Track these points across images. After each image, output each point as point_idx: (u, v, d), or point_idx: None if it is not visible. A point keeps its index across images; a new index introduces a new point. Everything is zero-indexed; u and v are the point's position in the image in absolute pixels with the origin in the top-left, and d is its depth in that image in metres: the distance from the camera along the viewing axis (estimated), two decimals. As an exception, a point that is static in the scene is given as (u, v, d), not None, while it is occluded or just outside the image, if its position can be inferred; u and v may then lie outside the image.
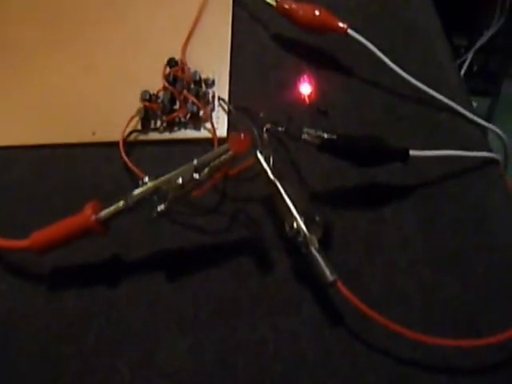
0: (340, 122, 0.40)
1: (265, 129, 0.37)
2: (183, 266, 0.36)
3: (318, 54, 0.44)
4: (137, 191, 0.32)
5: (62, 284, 0.36)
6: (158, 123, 0.41)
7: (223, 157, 0.31)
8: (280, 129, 0.36)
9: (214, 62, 0.44)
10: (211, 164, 0.31)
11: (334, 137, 0.33)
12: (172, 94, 0.41)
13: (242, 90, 0.43)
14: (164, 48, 0.44)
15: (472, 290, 0.33)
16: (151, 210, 0.33)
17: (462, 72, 1.12)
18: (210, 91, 0.42)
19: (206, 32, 0.46)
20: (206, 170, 0.31)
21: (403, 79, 0.40)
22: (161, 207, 0.31)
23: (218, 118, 0.41)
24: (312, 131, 0.33)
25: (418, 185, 0.38)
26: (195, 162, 0.31)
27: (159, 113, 0.41)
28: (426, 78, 0.41)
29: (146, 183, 0.31)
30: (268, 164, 0.34)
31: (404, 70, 0.40)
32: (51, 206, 0.39)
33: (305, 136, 0.33)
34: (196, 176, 0.31)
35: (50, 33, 0.48)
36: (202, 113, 0.40)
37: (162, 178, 0.31)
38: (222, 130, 0.40)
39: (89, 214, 0.33)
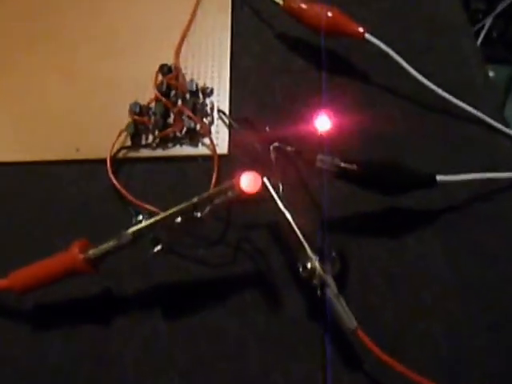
0: (355, 136, 0.39)
1: (272, 148, 0.36)
2: (182, 302, 0.35)
3: (330, 57, 0.42)
4: (130, 230, 0.30)
5: (46, 323, 0.35)
6: (150, 138, 0.40)
7: (229, 194, 0.30)
8: (289, 148, 0.35)
9: (212, 68, 0.42)
10: (214, 201, 0.30)
11: (354, 167, 0.32)
12: (165, 105, 0.39)
13: (244, 99, 0.41)
14: (155, 52, 0.43)
15: (505, 332, 0.33)
16: (147, 249, 0.32)
17: (480, 39, 1.10)
18: (209, 101, 0.40)
19: (203, 32, 0.44)
20: (208, 208, 0.30)
21: (425, 87, 0.39)
22: (157, 247, 0.30)
23: (217, 132, 0.40)
24: (328, 159, 0.32)
25: (443, 209, 0.37)
26: (196, 199, 0.30)
27: (151, 127, 0.39)
28: (451, 83, 0.40)
29: (140, 221, 0.30)
30: (277, 191, 0.33)
31: (426, 75, 0.39)
32: (32, 232, 0.38)
33: (319, 164, 0.32)
34: (197, 214, 0.30)
35: (27, 38, 0.46)
36: (199, 127, 0.39)
37: (159, 216, 0.30)
38: (222, 147, 0.39)
39: (76, 253, 0.32)
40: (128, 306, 0.35)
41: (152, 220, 0.30)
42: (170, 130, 0.39)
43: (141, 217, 0.30)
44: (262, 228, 0.37)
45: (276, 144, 0.36)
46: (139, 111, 0.39)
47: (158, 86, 0.40)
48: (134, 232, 0.30)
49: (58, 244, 0.37)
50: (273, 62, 0.43)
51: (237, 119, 0.40)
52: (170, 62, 0.42)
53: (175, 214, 0.30)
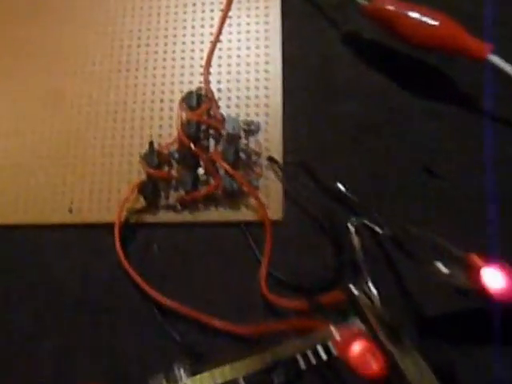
0: (463, 194, 0.30)
1: (351, 227, 0.27)
2: None
3: (418, 70, 0.32)
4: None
5: None
6: (172, 195, 0.31)
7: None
8: (380, 230, 0.26)
9: (256, 90, 0.32)
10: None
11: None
12: (194, 153, 0.30)
13: (301, 135, 0.32)
14: (174, 70, 0.34)
15: None
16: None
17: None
18: (253, 141, 0.31)
19: (242, 38, 0.34)
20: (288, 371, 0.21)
21: None
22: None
23: (267, 188, 0.31)
24: (460, 281, 0.23)
25: None
26: (270, 359, 0.21)
27: (174, 183, 0.31)
28: None
29: (179, 379, 0.21)
30: (370, 304, 0.25)
31: None
32: (15, 327, 0.31)
33: (446, 278, 0.23)
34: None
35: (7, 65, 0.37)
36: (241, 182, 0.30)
37: (215, 373, 0.21)
38: (275, 210, 0.30)
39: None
40: None
41: (203, 377, 0.21)
42: (202, 191, 0.30)
43: (182, 370, 0.22)
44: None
45: (360, 220, 0.27)
46: (157, 164, 0.30)
47: (183, 125, 0.30)
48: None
49: (42, 350, 0.30)
50: (339, 79, 0.33)
51: (293, 163, 0.31)
52: (195, 82, 0.33)
53: (237, 374, 0.21)
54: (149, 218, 0.31)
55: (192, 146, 0.29)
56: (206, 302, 0.30)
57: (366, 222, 0.27)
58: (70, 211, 0.32)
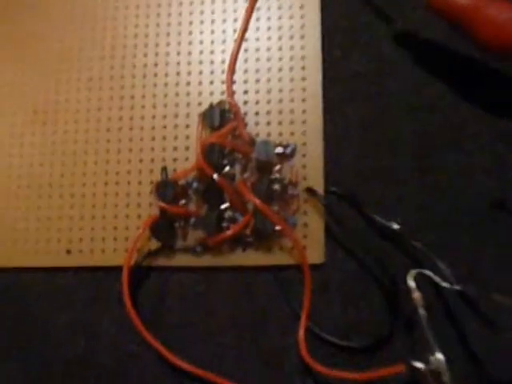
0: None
1: (411, 280, 0.23)
2: None
3: (492, 82, 0.27)
4: None
5: None
6: (191, 236, 0.26)
7: None
8: (446, 284, 0.22)
9: (290, 103, 0.27)
10: None
11: None
12: (217, 184, 0.25)
13: (345, 160, 0.27)
14: (192, 79, 0.28)
15: None
16: None
17: None
18: (288, 169, 0.26)
19: (271, 38, 0.28)
20: None
21: None
22: None
23: (305, 225, 0.26)
24: None
25: None
26: None
27: (193, 221, 0.26)
28: None
29: None
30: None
31: None
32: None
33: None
34: None
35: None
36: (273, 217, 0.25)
37: None
38: (315, 252, 0.26)
39: None
40: None
41: None
42: (227, 233, 0.25)
43: None
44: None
45: (421, 272, 0.23)
46: (172, 197, 0.26)
47: (204, 150, 0.25)
48: None
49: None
50: (392, 91, 0.27)
51: (336, 195, 0.26)
52: (216, 92, 0.28)
53: None
54: (163, 261, 0.27)
55: (215, 176, 0.25)
56: (232, 363, 0.26)
57: (428, 274, 0.23)
58: (69, 252, 0.28)
